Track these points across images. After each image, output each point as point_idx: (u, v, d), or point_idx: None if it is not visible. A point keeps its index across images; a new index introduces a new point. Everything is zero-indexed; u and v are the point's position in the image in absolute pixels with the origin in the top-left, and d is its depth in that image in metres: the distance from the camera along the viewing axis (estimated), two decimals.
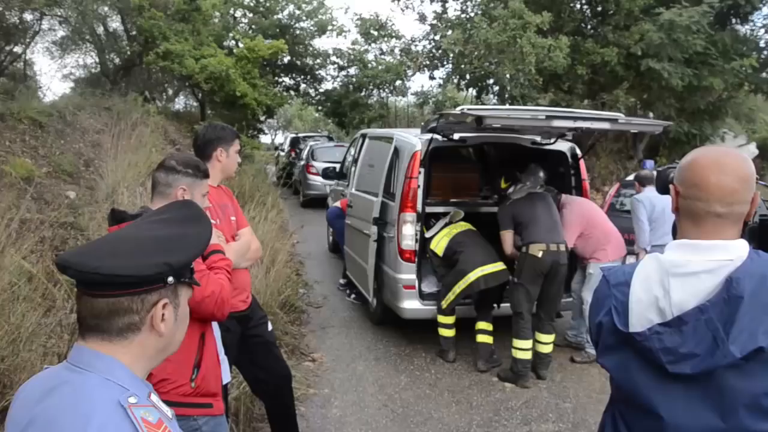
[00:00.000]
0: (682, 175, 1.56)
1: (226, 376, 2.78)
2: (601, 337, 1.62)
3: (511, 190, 5.52)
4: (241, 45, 18.95)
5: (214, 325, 2.59)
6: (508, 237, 5.42)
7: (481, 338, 5.58)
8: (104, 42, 19.55)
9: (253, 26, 22.25)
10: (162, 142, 11.61)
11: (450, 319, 5.64)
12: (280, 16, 23.00)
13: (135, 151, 8.13)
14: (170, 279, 1.21)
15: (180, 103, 23.55)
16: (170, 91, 23.10)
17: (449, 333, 5.69)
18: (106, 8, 17.78)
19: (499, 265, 5.46)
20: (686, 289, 1.46)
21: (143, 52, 16.68)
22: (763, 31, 17.78)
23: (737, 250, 1.47)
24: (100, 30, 19.25)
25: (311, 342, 6.21)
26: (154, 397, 1.19)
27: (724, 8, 15.25)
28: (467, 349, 5.79)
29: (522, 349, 5.23)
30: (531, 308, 5.31)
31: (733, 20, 16.85)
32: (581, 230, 5.57)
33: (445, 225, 5.81)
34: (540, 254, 5.14)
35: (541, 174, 5.62)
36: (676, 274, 1.48)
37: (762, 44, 17.60)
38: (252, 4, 22.76)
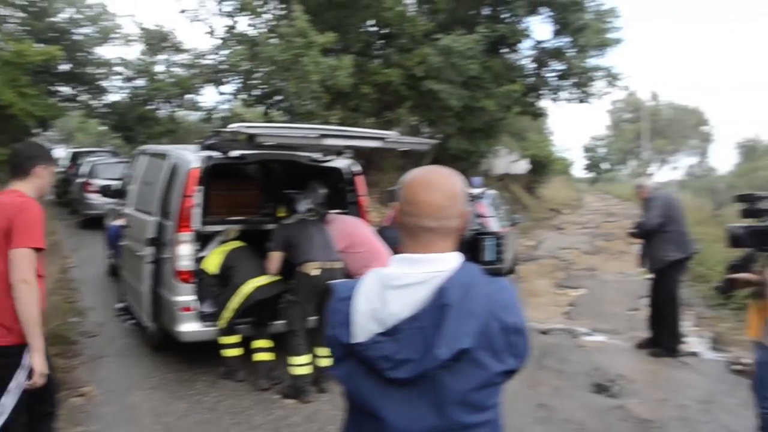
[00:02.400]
0: (401, 194, 1.69)
1: None
2: (332, 350, 1.69)
3: (289, 220, 5.53)
4: (10, 48, 17.06)
5: None
6: (275, 258, 5.42)
7: (259, 356, 5.52)
8: None
9: (26, 28, 20.22)
10: None
11: (233, 339, 5.52)
12: (56, 19, 21.18)
13: None
14: None
15: None
16: None
17: (234, 352, 5.56)
18: None
19: (273, 277, 5.48)
20: (401, 300, 1.56)
21: None
22: (528, 60, 20.05)
23: (448, 262, 1.61)
24: None
25: (82, 374, 5.71)
26: None
27: (494, 38, 16.90)
28: (249, 369, 5.69)
29: (299, 365, 5.25)
30: (305, 325, 5.35)
31: (504, 49, 18.74)
32: (343, 247, 5.69)
33: (220, 243, 5.70)
34: (315, 272, 5.21)
35: (321, 191, 5.72)
36: (392, 287, 1.58)
37: (527, 71, 19.83)
38: (24, 3, 20.61)
